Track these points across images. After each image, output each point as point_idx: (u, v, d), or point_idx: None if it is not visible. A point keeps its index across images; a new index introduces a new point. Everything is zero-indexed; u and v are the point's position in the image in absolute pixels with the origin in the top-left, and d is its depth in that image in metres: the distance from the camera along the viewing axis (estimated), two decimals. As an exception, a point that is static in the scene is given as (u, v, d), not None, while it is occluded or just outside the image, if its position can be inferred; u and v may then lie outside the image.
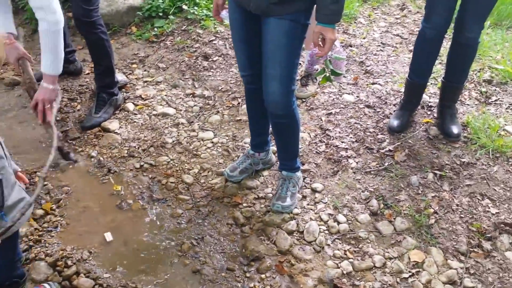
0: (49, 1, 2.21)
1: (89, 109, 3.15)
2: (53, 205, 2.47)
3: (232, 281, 2.18)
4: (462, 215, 2.46)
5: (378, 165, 2.74)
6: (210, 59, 3.75)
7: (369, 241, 2.34)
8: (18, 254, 1.86)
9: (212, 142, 2.98)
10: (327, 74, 2.13)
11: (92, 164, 2.79)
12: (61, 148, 2.70)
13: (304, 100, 3.31)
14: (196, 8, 4.21)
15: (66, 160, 2.76)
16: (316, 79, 3.42)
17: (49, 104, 2.26)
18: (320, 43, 2.02)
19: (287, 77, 2.17)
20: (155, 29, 4.04)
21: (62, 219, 2.42)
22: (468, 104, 3.22)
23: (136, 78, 3.54)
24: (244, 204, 2.55)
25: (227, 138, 3.01)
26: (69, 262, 2.16)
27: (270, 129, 2.65)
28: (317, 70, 3.41)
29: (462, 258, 2.27)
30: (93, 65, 3.17)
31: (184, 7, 4.20)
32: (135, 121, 3.12)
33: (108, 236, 2.35)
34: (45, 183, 2.60)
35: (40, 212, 2.42)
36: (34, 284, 2.05)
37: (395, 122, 2.97)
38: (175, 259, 2.27)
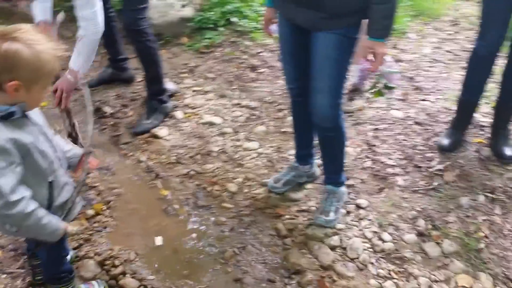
0: (95, 14, 2.37)
1: (140, 115, 3.26)
2: (103, 206, 2.57)
3: (274, 292, 2.18)
4: (514, 241, 2.36)
5: (426, 184, 2.68)
6: (257, 71, 3.80)
7: (414, 262, 2.28)
8: (65, 249, 1.92)
9: (257, 153, 3.01)
10: (379, 89, 2.12)
11: (141, 168, 2.88)
12: (70, 133, 2.81)
13: (350, 114, 3.29)
14: (245, 20, 4.29)
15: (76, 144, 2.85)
16: (364, 94, 3.40)
17: (67, 93, 2.43)
18: (371, 57, 2.02)
19: (335, 90, 2.17)
20: (205, 40, 4.15)
21: (111, 220, 2.50)
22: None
23: (185, 87, 3.63)
24: (287, 216, 2.55)
25: (271, 149, 3.03)
26: (117, 262, 2.23)
27: (315, 142, 2.66)
28: (366, 84, 3.39)
29: (513, 285, 2.18)
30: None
31: (234, 19, 4.30)
32: (183, 129, 3.20)
33: (158, 241, 2.40)
34: (96, 184, 2.70)
35: (91, 212, 2.51)
36: (83, 282, 2.12)
37: (445, 141, 2.90)
38: (217, 266, 2.30)
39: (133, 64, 3.73)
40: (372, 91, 2.21)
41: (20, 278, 2.14)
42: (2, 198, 1.42)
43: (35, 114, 1.57)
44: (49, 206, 1.61)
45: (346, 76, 2.20)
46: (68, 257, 2.06)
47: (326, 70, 2.12)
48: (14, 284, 2.11)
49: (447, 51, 4.07)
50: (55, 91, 2.43)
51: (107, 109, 3.31)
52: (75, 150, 1.82)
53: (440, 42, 4.21)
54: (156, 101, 3.22)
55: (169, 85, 3.46)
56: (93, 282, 2.12)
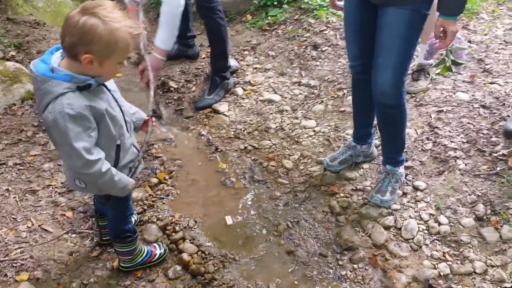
0: None
1: (202, 90, 3.37)
2: (166, 176, 2.72)
3: (324, 266, 2.23)
4: None
5: (489, 169, 2.59)
6: (319, 49, 3.78)
7: (471, 246, 2.23)
8: (130, 209, 2.05)
9: (314, 131, 3.03)
10: (448, 64, 2.07)
11: (202, 142, 3.00)
12: (155, 111, 2.94)
13: (413, 95, 3.21)
14: (309, -3, 4.25)
15: (157, 121, 2.97)
16: (429, 75, 3.29)
17: (156, 72, 2.51)
18: (441, 35, 1.97)
19: (400, 68, 2.14)
20: (269, 17, 4.17)
21: (173, 188, 2.65)
22: None
23: (246, 65, 3.70)
24: (341, 194, 2.57)
25: (329, 128, 3.04)
26: (177, 228, 2.37)
27: (375, 122, 2.63)
28: (431, 64, 3.28)
29: None
30: (209, 50, 3.38)
31: (298, -4, 4.27)
32: (242, 105, 3.28)
33: (229, 220, 2.46)
34: (160, 155, 2.86)
35: (154, 180, 2.67)
36: (146, 244, 2.28)
37: (512, 126, 2.76)
38: (271, 238, 2.38)
39: (198, 41, 3.86)
40: (440, 66, 2.14)
41: (88, 238, 2.34)
42: (81, 159, 1.57)
43: (109, 81, 1.69)
44: (115, 166, 1.75)
45: (413, 54, 2.17)
46: (133, 219, 2.22)
47: (394, 47, 2.09)
48: (83, 243, 2.31)
49: (522, 32, 3.83)
50: (143, 71, 2.51)
51: (172, 84, 3.45)
52: (140, 113, 1.95)
53: (515, 22, 3.96)
54: (219, 77, 3.32)
55: (232, 62, 3.54)
56: (155, 244, 2.27)
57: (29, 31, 3.98)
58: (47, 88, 1.50)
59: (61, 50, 1.56)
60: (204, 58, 3.73)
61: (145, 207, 2.50)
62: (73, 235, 2.35)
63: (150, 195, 2.58)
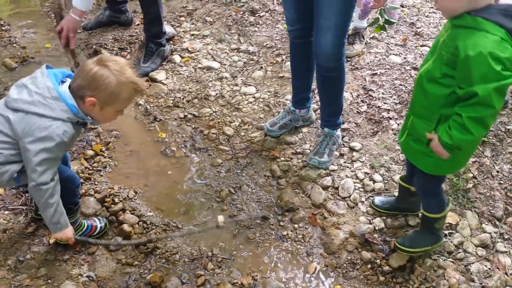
0: None
1: (137, 59, 3.26)
2: (102, 147, 2.63)
3: (266, 228, 2.28)
4: (501, 182, 2.42)
5: (419, 128, 2.72)
6: (257, 14, 3.75)
7: (403, 201, 2.36)
8: (76, 179, 2.02)
9: (254, 97, 3.03)
10: (381, 23, 2.12)
11: (140, 111, 2.92)
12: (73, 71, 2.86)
13: (349, 59, 3.28)
14: (245, -38, 4.16)
15: None
16: (364, 38, 3.36)
17: (73, 33, 2.48)
18: None
19: (341, 29, 2.17)
20: (204, -18, 4.05)
21: (110, 160, 2.58)
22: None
23: (183, 31, 3.60)
24: (282, 158, 2.61)
25: (269, 94, 3.05)
26: (116, 200, 2.32)
27: (313, 86, 2.67)
28: (366, 28, 3.35)
29: (497, 223, 2.26)
30: (142, 16, 3.25)
31: (234, -39, 4.17)
32: (181, 73, 3.21)
33: (221, 219, 2.31)
34: (96, 126, 2.75)
35: (90, 152, 2.58)
36: (84, 218, 2.22)
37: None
38: (213, 204, 2.39)
39: (131, 7, 3.70)
40: (374, 25, 2.20)
41: (22, 214, 2.24)
42: (47, 178, 1.73)
43: None
44: None
45: (351, 15, 2.20)
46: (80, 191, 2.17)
47: (334, 8, 2.10)
48: (17, 219, 2.21)
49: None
50: (61, 31, 2.45)
51: (105, 52, 3.30)
52: None
53: (444, -14, 4.10)
54: (154, 44, 3.21)
55: (167, 28, 3.43)
56: (95, 218, 2.21)
57: None
58: (53, 106, 1.66)
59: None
60: (138, 24, 3.59)
61: (82, 180, 2.41)
62: (6, 212, 2.25)
63: (86, 167, 2.50)
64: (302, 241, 2.22)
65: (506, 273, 2.08)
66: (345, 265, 2.13)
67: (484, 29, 1.49)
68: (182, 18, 3.75)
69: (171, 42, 3.44)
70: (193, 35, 3.57)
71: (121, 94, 1.71)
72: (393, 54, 3.31)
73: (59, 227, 1.83)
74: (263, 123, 2.80)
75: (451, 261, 2.12)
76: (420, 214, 2.09)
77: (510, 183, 2.42)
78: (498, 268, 2.10)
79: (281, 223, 2.30)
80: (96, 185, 2.41)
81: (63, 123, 1.68)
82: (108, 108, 1.73)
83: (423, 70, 1.71)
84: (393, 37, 3.48)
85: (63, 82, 1.76)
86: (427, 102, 1.70)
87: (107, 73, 1.67)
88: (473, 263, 2.11)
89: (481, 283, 2.04)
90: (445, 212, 2.03)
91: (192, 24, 3.70)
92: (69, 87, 1.72)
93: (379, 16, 2.21)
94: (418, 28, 3.58)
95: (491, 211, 2.30)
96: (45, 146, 1.66)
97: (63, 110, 1.67)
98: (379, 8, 2.19)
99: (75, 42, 2.51)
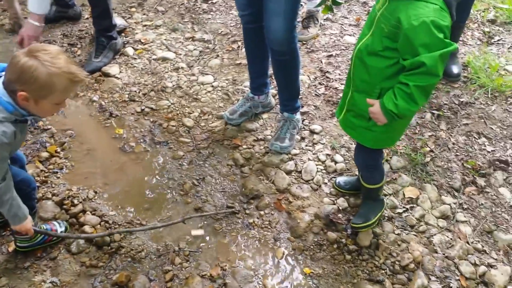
0: None
1: (89, 54, 3.15)
2: (57, 148, 2.54)
3: (232, 217, 2.27)
4: (458, 153, 2.50)
5: (376, 106, 2.76)
6: (210, 1, 3.69)
7: (365, 179, 2.40)
8: (32, 182, 1.95)
9: (212, 86, 2.99)
10: (329, 3, 2.12)
11: (94, 108, 2.83)
12: None
13: (304, 42, 3.28)
14: None
15: None
16: (318, 21, 3.37)
17: (35, 40, 2.36)
18: None
19: (291, 13, 2.16)
20: (153, -29, 3.94)
21: (67, 161, 2.49)
22: (470, 44, 3.18)
23: (135, 22, 3.50)
24: (244, 146, 2.60)
25: (227, 82, 3.02)
26: (75, 201, 2.25)
27: (270, 72, 2.66)
28: (319, 10, 3.36)
29: (456, 194, 2.33)
30: (90, 9, 3.14)
31: None
32: (135, 66, 3.13)
33: (198, 231, 2.22)
34: (49, 127, 2.65)
35: (45, 154, 2.48)
36: (43, 222, 2.14)
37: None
38: (177, 198, 2.35)
39: (79, 1, 3.56)
40: (322, 6, 2.20)
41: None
42: None
43: None
44: None
45: None
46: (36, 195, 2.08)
47: None
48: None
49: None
50: (21, 41, 2.33)
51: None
52: None
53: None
54: (105, 38, 3.10)
55: (118, 20, 3.33)
56: (54, 222, 2.14)
57: None
58: None
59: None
60: (87, 18, 3.46)
61: (38, 184, 2.32)
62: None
63: (41, 170, 2.40)
64: (269, 227, 2.23)
65: (467, 242, 2.16)
66: (312, 247, 2.15)
67: None
68: (133, 9, 3.64)
69: (123, 34, 3.34)
70: (145, 25, 3.48)
71: (54, 86, 1.56)
72: (347, 34, 3.34)
73: (17, 220, 1.78)
74: (223, 112, 2.77)
75: (414, 235, 2.17)
76: (363, 188, 2.14)
77: (466, 154, 2.50)
78: (459, 238, 2.17)
79: (247, 211, 2.30)
80: (53, 187, 2.33)
81: (0, 124, 1.57)
82: (43, 101, 1.60)
83: (361, 44, 1.73)
84: (347, 18, 3.50)
85: (0, 77, 1.64)
86: (368, 76, 1.73)
87: (36, 64, 1.52)
88: (435, 234, 2.17)
89: (444, 254, 2.11)
90: (385, 180, 2.13)
91: (144, 14, 3.60)
92: (3, 82, 1.60)
93: None
94: (370, 7, 3.62)
95: (450, 182, 2.37)
96: None
97: None
98: None
99: None
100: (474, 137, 2.57)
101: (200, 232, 2.18)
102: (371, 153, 1.97)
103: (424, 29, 1.50)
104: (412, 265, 2.05)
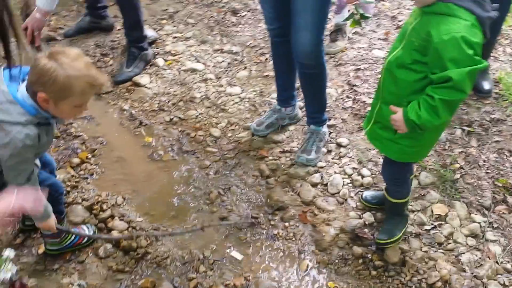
0: None
1: (120, 64, 3.23)
2: (88, 155, 2.60)
3: (257, 228, 2.27)
4: (488, 171, 2.45)
5: (405, 121, 2.73)
6: (239, 15, 3.75)
7: (392, 194, 2.37)
8: (60, 188, 2.00)
9: (240, 97, 3.02)
10: (356, 18, 2.14)
11: (125, 117, 2.90)
12: None
13: (332, 55, 3.28)
14: (225, -38, 4.15)
15: None
16: (346, 34, 3.38)
17: (38, 31, 2.46)
18: None
19: (318, 27, 2.18)
20: (184, -16, 4.03)
21: (97, 167, 2.55)
22: (502, 60, 3.13)
23: (166, 34, 3.58)
24: (270, 157, 2.61)
25: (254, 93, 3.05)
26: (104, 207, 2.30)
27: (297, 84, 2.67)
28: (346, 23, 3.36)
29: (486, 212, 2.28)
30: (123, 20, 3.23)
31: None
32: (165, 76, 3.19)
33: (237, 255, 2.18)
34: (80, 133, 2.73)
35: (76, 160, 2.55)
36: (73, 226, 2.19)
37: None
38: (203, 207, 2.38)
39: (112, 12, 3.66)
40: (349, 20, 2.23)
41: (9, 226, 2.19)
42: (24, 178, 1.70)
43: None
44: None
45: (328, 12, 2.21)
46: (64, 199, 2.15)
47: (308, 6, 2.11)
48: (5, 231, 2.17)
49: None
50: (25, 28, 2.43)
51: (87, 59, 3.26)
52: None
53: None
54: (136, 48, 3.18)
55: (149, 32, 3.41)
56: (83, 226, 2.19)
57: None
58: (9, 110, 1.58)
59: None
60: (119, 29, 3.55)
61: (68, 189, 2.39)
62: (-8, 225, 2.20)
63: (72, 176, 2.46)
64: (293, 239, 2.22)
65: (496, 262, 2.10)
66: (337, 261, 2.13)
67: (456, 15, 1.52)
68: (164, 21, 3.73)
69: (153, 45, 3.42)
70: (175, 37, 3.55)
71: (72, 88, 1.57)
72: (376, 48, 3.33)
73: (40, 217, 1.81)
74: (250, 123, 2.79)
75: (441, 252, 2.13)
76: (388, 203, 2.11)
77: (496, 172, 2.44)
78: (488, 257, 2.12)
79: (272, 222, 2.30)
80: (83, 192, 2.38)
81: (23, 127, 1.59)
82: (62, 103, 1.60)
83: (392, 57, 1.73)
84: (375, 31, 3.50)
85: (24, 80, 1.66)
86: (396, 89, 1.73)
87: (55, 66, 1.54)
88: (463, 253, 2.13)
89: (472, 273, 2.05)
90: (410, 195, 2.11)
91: (174, 26, 3.68)
92: (26, 86, 1.63)
93: (354, 11, 2.24)
94: (399, 21, 3.61)
95: (479, 200, 2.32)
96: (12, 152, 1.60)
97: (20, 114, 1.59)
98: (354, 3, 2.21)
99: (39, 40, 2.48)
100: (506, 155, 2.51)
101: (239, 256, 2.16)
102: (398, 167, 1.96)
103: (454, 44, 1.50)
104: (439, 284, 2.01)
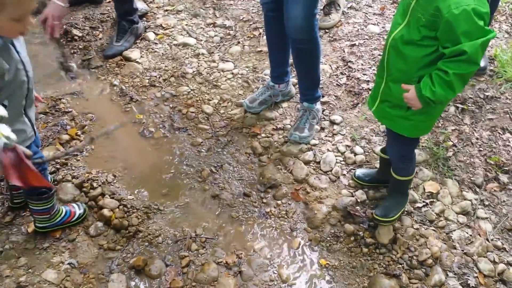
0: None
1: (110, 37, 3.15)
2: (78, 131, 2.56)
3: (249, 206, 2.27)
4: (481, 149, 2.44)
5: (399, 98, 2.71)
6: (232, -12, 3.64)
7: (385, 172, 2.36)
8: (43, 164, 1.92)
9: (232, 73, 2.97)
10: None
11: (115, 92, 2.84)
12: (63, 63, 2.78)
13: (327, 30, 3.22)
14: None
15: (66, 75, 2.84)
16: (340, 7, 3.30)
17: (58, 20, 2.26)
18: None
19: (310, 0, 2.12)
20: (176, -45, 3.91)
21: (87, 144, 2.51)
22: (497, 37, 3.09)
23: (156, 7, 3.49)
24: (263, 135, 2.58)
25: (247, 69, 3.00)
26: (95, 184, 2.27)
27: (290, 60, 2.63)
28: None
29: (478, 190, 2.29)
30: (113, -8, 3.14)
31: None
32: (156, 51, 3.12)
33: (260, 244, 2.14)
34: (70, 109, 2.68)
35: (65, 137, 2.51)
36: (63, 204, 2.17)
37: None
38: (195, 185, 2.36)
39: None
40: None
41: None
42: None
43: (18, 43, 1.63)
44: None
45: None
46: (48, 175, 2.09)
47: None
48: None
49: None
50: (45, 20, 2.25)
51: (76, 32, 3.18)
52: None
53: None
54: (127, 22, 3.10)
55: (140, 4, 3.32)
56: (74, 204, 2.17)
57: None
58: None
59: None
60: (109, 2, 3.46)
61: (58, 166, 2.36)
62: (-19, 203, 2.18)
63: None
64: (286, 217, 2.22)
65: (487, 239, 2.12)
66: (328, 238, 2.14)
67: None
68: (155, -7, 3.63)
69: (144, 18, 3.33)
70: (166, 10, 3.47)
71: None
72: (371, 23, 3.27)
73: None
74: (243, 99, 2.75)
75: (433, 230, 2.14)
76: (394, 181, 2.10)
77: (489, 149, 2.44)
78: (479, 235, 2.13)
79: (264, 200, 2.29)
80: (73, 170, 2.35)
81: None
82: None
83: (396, 34, 1.68)
84: (371, 6, 3.43)
85: None
86: (405, 65, 1.70)
87: None
88: (454, 230, 2.14)
89: (462, 250, 2.07)
90: (414, 172, 2.11)
91: (165, -1, 3.58)
92: None
93: None
94: (395, -4, 3.54)
95: (471, 178, 2.33)
96: None
97: None
98: None
99: (60, 30, 2.29)
100: (499, 133, 2.51)
101: (261, 244, 2.13)
102: (406, 144, 1.94)
103: (466, 18, 1.48)
104: (430, 261, 2.03)
